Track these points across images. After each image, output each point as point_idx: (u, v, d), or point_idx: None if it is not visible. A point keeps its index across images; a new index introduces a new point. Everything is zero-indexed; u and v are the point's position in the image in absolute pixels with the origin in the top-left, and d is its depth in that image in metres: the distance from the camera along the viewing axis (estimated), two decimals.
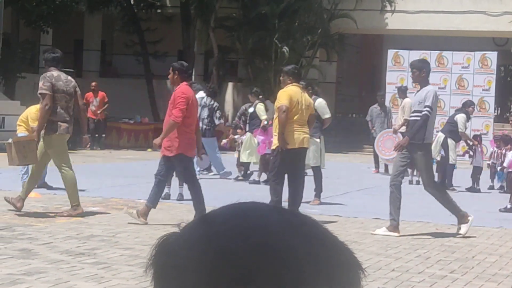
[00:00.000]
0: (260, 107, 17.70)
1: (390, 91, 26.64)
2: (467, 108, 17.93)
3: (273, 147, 11.80)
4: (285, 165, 11.50)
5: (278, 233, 0.95)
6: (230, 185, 16.73)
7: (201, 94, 17.22)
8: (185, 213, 11.91)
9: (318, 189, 13.96)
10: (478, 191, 16.95)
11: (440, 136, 17.34)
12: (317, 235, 0.97)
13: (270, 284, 0.92)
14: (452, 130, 17.17)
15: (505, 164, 14.43)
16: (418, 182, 18.24)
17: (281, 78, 11.98)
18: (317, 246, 0.95)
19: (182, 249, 0.96)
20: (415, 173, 18.49)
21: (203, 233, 0.96)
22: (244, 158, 17.53)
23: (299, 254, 0.94)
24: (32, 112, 13.69)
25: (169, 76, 11.16)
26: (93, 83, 27.33)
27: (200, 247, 0.95)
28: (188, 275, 0.94)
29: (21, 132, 13.89)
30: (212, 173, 18.38)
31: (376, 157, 21.05)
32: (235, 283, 0.92)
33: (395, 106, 25.25)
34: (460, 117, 17.17)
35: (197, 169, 14.29)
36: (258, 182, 16.82)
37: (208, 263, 0.93)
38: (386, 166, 20.78)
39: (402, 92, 20.68)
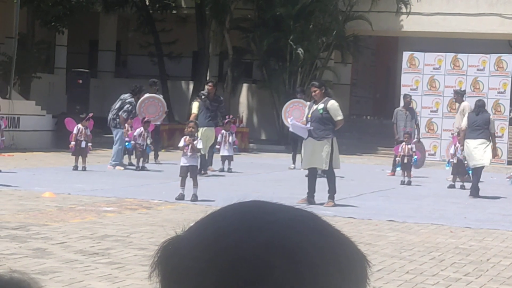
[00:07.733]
0: None
1: (405, 93, 26.54)
2: None
3: None
4: None
5: (286, 229, 0.95)
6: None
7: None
8: (199, 214, 11.88)
9: (332, 191, 13.91)
10: None
11: None
12: (323, 229, 0.98)
13: (284, 281, 0.92)
14: None
15: None
16: (409, 183, 18.21)
17: None
18: (325, 240, 0.96)
19: (191, 251, 0.95)
20: (405, 174, 18.44)
21: (211, 234, 0.96)
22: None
23: (309, 249, 0.94)
24: None
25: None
26: None
27: (210, 247, 0.94)
28: (199, 276, 0.93)
29: None
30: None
31: (394, 161, 20.80)
32: (249, 282, 0.92)
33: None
34: None
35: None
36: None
37: (220, 263, 0.92)
38: (404, 169, 20.61)
39: (460, 95, 20.27)
